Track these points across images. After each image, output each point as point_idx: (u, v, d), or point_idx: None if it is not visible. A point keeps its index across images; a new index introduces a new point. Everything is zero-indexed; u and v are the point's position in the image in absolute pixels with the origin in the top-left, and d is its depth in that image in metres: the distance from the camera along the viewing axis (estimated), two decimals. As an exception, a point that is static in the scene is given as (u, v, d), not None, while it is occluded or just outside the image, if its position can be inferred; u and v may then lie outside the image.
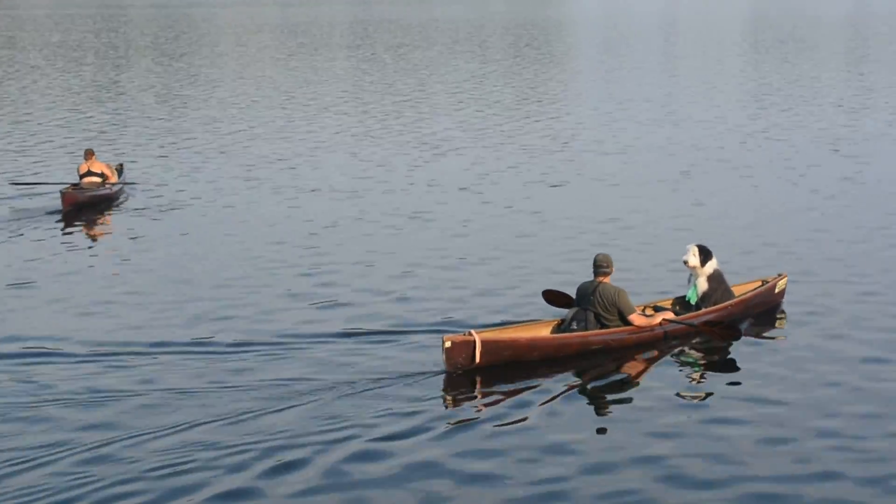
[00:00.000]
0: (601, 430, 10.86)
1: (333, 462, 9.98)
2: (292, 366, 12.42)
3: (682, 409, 11.39)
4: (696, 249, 13.99)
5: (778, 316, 14.36)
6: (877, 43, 59.02)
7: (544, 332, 13.07)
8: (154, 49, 61.50)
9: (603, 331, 12.94)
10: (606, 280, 13.14)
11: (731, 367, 12.67)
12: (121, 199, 21.96)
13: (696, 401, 11.61)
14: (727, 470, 9.87)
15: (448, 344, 12.07)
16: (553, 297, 13.94)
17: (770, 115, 33.36)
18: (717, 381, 12.25)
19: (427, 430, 10.69)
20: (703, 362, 12.93)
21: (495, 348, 12.32)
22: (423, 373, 12.11)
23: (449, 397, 11.69)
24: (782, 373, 12.25)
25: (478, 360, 12.17)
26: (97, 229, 20.31)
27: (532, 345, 12.62)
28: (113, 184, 22.05)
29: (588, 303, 13.06)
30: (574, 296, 13.44)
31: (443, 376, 12.05)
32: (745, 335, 13.31)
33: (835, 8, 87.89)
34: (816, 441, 10.46)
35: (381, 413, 10.98)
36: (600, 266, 13.14)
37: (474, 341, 12.18)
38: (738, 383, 12.07)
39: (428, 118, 33.53)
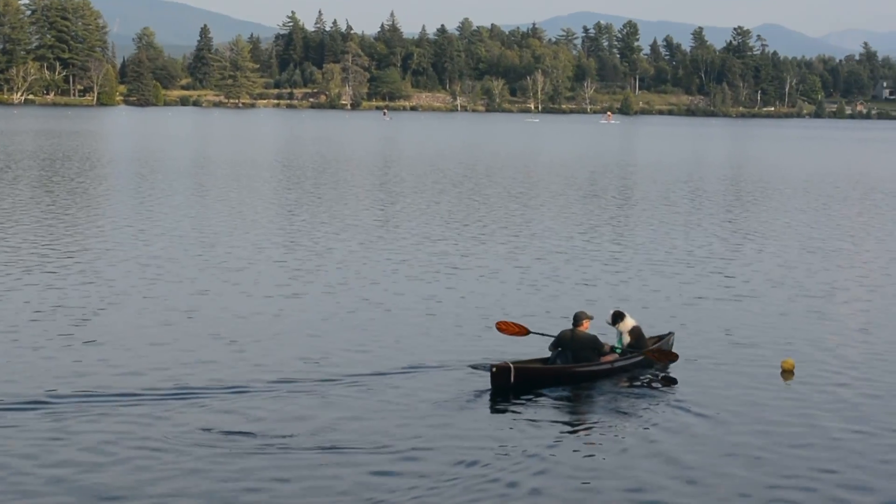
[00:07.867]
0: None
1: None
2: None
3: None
4: (610, 313, 18.46)
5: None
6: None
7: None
8: None
9: (592, 364, 17.17)
10: (582, 328, 17.46)
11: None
12: None
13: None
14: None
15: (494, 370, 16.16)
16: (504, 326, 18.41)
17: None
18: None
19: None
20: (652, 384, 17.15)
21: (524, 374, 16.42)
22: (477, 391, 16.12)
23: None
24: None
25: (512, 380, 16.25)
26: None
27: (547, 372, 16.78)
28: None
29: (567, 345, 17.31)
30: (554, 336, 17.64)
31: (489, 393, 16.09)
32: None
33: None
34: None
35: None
36: (578, 319, 17.50)
37: (510, 368, 16.27)
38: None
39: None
